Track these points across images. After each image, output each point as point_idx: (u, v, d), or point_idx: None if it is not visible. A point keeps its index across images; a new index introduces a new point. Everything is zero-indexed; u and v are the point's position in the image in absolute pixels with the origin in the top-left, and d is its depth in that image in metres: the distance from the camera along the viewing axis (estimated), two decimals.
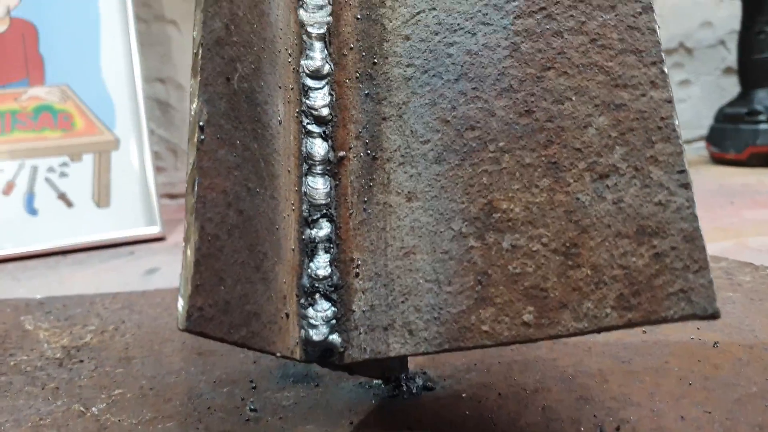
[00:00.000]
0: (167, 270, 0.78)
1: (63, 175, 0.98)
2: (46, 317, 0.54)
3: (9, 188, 0.95)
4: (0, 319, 0.54)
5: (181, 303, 0.25)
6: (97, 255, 0.92)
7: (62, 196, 0.97)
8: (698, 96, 1.38)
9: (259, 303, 0.29)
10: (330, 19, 0.36)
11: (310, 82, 0.35)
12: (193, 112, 0.28)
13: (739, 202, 0.83)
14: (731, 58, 1.36)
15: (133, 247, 0.94)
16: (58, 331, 0.51)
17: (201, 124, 0.28)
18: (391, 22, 0.34)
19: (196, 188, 0.27)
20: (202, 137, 0.28)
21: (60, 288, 0.74)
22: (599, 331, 0.26)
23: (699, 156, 1.33)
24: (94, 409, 0.38)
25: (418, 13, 0.34)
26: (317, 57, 0.35)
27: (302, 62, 0.35)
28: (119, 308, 0.57)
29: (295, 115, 0.34)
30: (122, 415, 0.37)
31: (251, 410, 0.37)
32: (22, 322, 0.53)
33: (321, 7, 0.36)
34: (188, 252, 0.26)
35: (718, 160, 1.18)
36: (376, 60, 0.34)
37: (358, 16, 0.36)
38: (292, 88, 0.34)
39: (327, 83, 0.35)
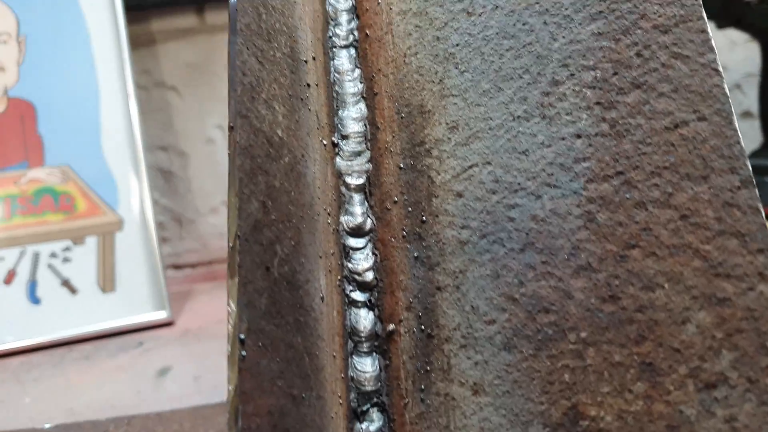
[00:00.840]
0: (179, 370, 0.74)
1: (66, 260, 0.93)
2: None
3: (10, 277, 0.91)
4: None
5: None
6: (103, 346, 0.87)
7: (66, 283, 0.93)
8: None
9: None
10: (369, 166, 0.33)
11: (351, 242, 0.31)
12: (231, 322, 0.24)
13: None
14: (748, 102, 1.33)
15: (142, 336, 0.90)
16: None
17: (242, 337, 0.24)
18: (439, 174, 0.31)
19: (239, 421, 0.23)
20: (243, 353, 0.24)
21: (66, 396, 0.69)
22: None
23: None
24: None
25: (470, 167, 0.30)
26: (357, 212, 0.32)
27: (342, 219, 0.32)
28: None
29: (337, 283, 0.31)
30: None
31: None
32: None
33: (358, 153, 0.33)
34: None
35: None
36: (425, 218, 0.31)
37: (402, 165, 0.32)
38: (332, 253, 0.31)
39: (369, 241, 0.32)
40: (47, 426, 0.56)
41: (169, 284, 1.00)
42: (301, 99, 0.31)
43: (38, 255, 0.92)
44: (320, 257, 0.30)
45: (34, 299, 0.91)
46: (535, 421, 0.26)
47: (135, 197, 0.98)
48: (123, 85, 1.01)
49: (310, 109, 0.32)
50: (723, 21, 1.07)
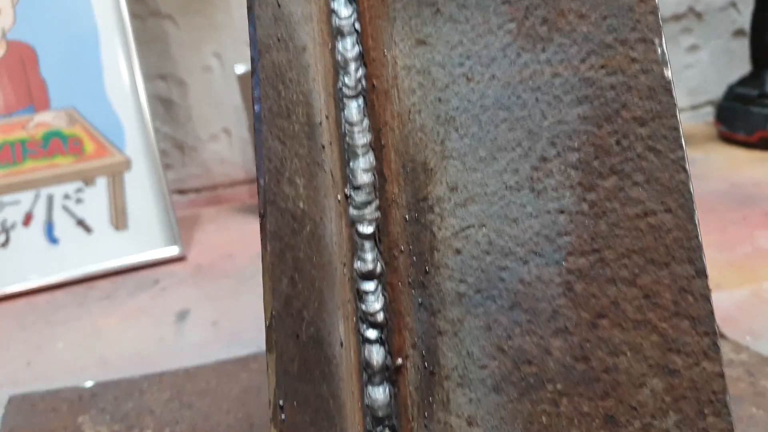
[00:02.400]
0: (196, 315, 0.81)
1: (79, 201, 0.98)
2: (102, 418, 0.57)
3: (28, 219, 0.96)
4: (60, 422, 0.57)
5: None
6: (122, 284, 0.94)
7: (80, 222, 0.98)
8: (707, 61, 1.36)
9: None
10: (378, 214, 0.37)
11: (364, 286, 0.36)
12: (270, 390, 0.30)
13: (751, 217, 0.85)
14: (742, 20, 1.33)
15: (157, 272, 0.96)
16: None
17: (281, 403, 0.29)
18: (440, 231, 0.35)
19: None
20: (283, 416, 0.29)
21: (96, 342, 0.76)
22: None
23: (706, 125, 1.33)
24: None
25: (467, 227, 0.35)
26: (369, 258, 0.37)
27: (355, 265, 0.36)
28: (168, 399, 0.59)
29: (354, 326, 0.36)
30: None
31: None
32: (81, 427, 0.56)
33: (369, 203, 0.37)
34: None
35: (726, 138, 1.18)
36: (427, 269, 0.35)
37: (407, 218, 0.36)
38: (348, 300, 0.36)
39: (379, 284, 0.37)
40: (88, 384, 0.63)
41: (176, 209, 1.05)
42: (318, 163, 0.35)
43: (52, 197, 0.97)
44: (339, 308, 0.35)
45: (52, 239, 0.96)
46: None
47: (140, 137, 1.01)
48: (120, 19, 1.01)
49: (325, 171, 0.36)
50: None
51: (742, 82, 1.16)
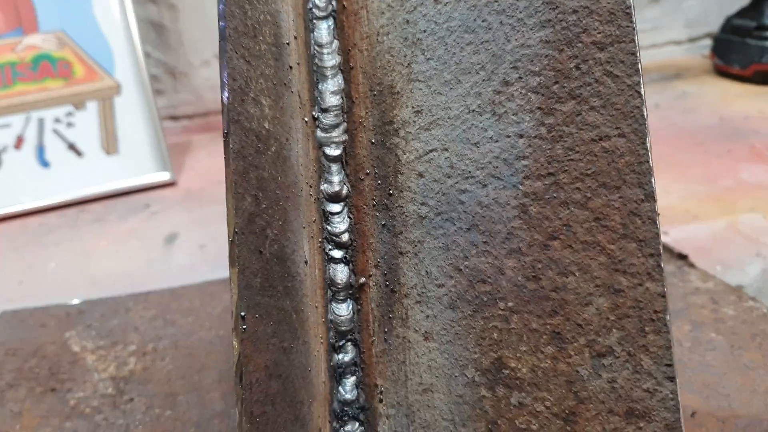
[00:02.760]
0: (185, 238, 0.82)
1: (70, 125, 0.98)
2: (89, 333, 0.60)
3: (19, 142, 0.96)
4: (48, 338, 0.59)
5: None
6: (113, 208, 0.95)
7: (71, 146, 0.98)
8: None
9: None
10: (345, 137, 0.38)
11: (330, 207, 0.37)
12: (233, 301, 0.31)
13: (736, 151, 0.85)
14: None
15: (148, 196, 0.98)
16: (103, 353, 0.56)
17: (242, 314, 0.31)
18: (405, 154, 0.36)
19: (243, 378, 0.30)
20: (244, 326, 0.31)
21: (86, 263, 0.78)
22: None
23: (702, 58, 1.31)
24: None
25: (430, 151, 0.35)
26: (335, 180, 0.37)
27: (322, 187, 0.37)
28: (153, 317, 0.61)
29: (319, 245, 0.37)
30: None
31: None
32: (68, 342, 0.58)
33: (336, 126, 0.38)
34: None
35: (722, 72, 1.17)
36: (391, 191, 0.36)
37: (373, 141, 0.37)
38: (314, 220, 0.37)
39: (346, 206, 0.38)
40: (75, 302, 0.65)
41: (167, 135, 1.05)
42: (285, 84, 0.36)
43: (43, 120, 0.97)
44: (304, 227, 0.36)
45: (44, 162, 0.97)
46: (470, 365, 0.34)
47: (130, 62, 1.00)
48: None
49: (292, 91, 0.36)
50: None
51: (741, 13, 1.13)
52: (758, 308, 0.52)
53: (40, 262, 0.80)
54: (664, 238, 0.64)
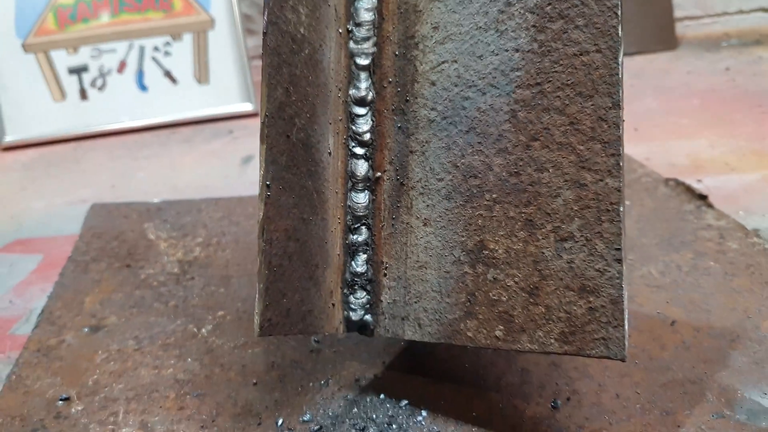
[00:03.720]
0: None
1: (167, 53, 1.08)
2: (164, 226, 0.69)
3: (122, 66, 1.08)
4: (129, 227, 0.69)
5: (256, 318, 0.38)
6: (200, 131, 1.05)
7: (167, 74, 1.09)
8: None
9: (313, 302, 0.41)
10: (375, 50, 0.44)
11: (356, 110, 0.44)
12: (260, 173, 0.38)
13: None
14: None
15: (232, 124, 1.07)
16: (174, 242, 0.66)
17: (268, 183, 0.38)
18: (422, 65, 0.42)
19: (264, 234, 0.37)
20: (268, 194, 0.38)
21: (171, 174, 0.88)
22: (545, 353, 0.37)
23: None
24: (203, 330, 0.52)
25: (442, 62, 0.41)
26: (362, 86, 0.43)
27: (350, 92, 0.44)
28: (221, 217, 0.70)
29: (343, 141, 0.43)
30: (224, 338, 0.51)
31: (315, 341, 0.50)
32: (145, 231, 0.68)
33: (368, 39, 0.44)
34: (260, 284, 0.37)
35: None
36: (408, 98, 0.42)
37: (397, 53, 0.43)
38: (340, 119, 0.43)
39: (369, 110, 0.44)
40: (155, 200, 0.75)
41: (255, 74, 1.13)
42: None
43: (143, 48, 1.07)
44: (330, 123, 0.42)
45: (142, 86, 1.07)
46: (457, 247, 0.40)
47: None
48: None
49: (329, 5, 0.42)
50: None
51: None
52: (761, 244, 0.54)
53: (132, 172, 0.91)
54: (697, 185, 0.67)
